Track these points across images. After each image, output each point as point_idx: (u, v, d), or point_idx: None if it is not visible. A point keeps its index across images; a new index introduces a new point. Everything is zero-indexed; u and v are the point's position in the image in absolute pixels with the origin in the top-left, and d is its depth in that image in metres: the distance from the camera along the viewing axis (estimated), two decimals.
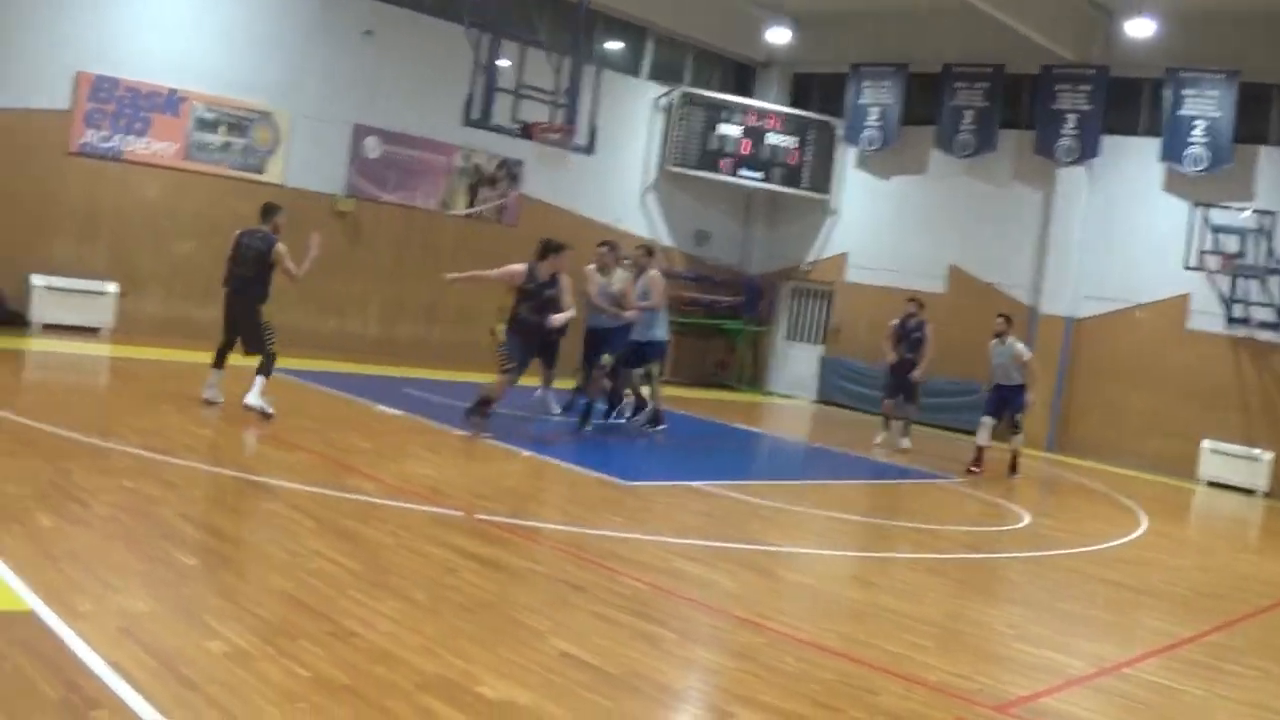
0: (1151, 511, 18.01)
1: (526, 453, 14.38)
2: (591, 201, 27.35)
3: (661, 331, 18.06)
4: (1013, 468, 19.55)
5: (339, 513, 9.75)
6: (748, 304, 30.39)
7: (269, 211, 14.65)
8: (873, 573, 11.10)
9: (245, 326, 14.49)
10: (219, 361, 14.67)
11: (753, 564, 10.46)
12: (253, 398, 14.12)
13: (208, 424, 13.43)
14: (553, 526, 10.65)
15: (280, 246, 14.32)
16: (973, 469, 19.22)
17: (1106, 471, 22.69)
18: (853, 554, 11.97)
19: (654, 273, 18.12)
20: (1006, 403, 19.57)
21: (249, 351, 14.47)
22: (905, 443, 21.50)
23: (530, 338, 15.62)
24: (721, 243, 30.55)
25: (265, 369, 14.32)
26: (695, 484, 13.94)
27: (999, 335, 19.49)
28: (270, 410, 14.10)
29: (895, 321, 21.78)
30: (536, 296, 15.33)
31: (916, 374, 21.43)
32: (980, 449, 19.49)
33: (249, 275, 14.38)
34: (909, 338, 21.53)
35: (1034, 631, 9.58)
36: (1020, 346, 19.52)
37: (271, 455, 12.29)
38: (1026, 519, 15.70)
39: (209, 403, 14.45)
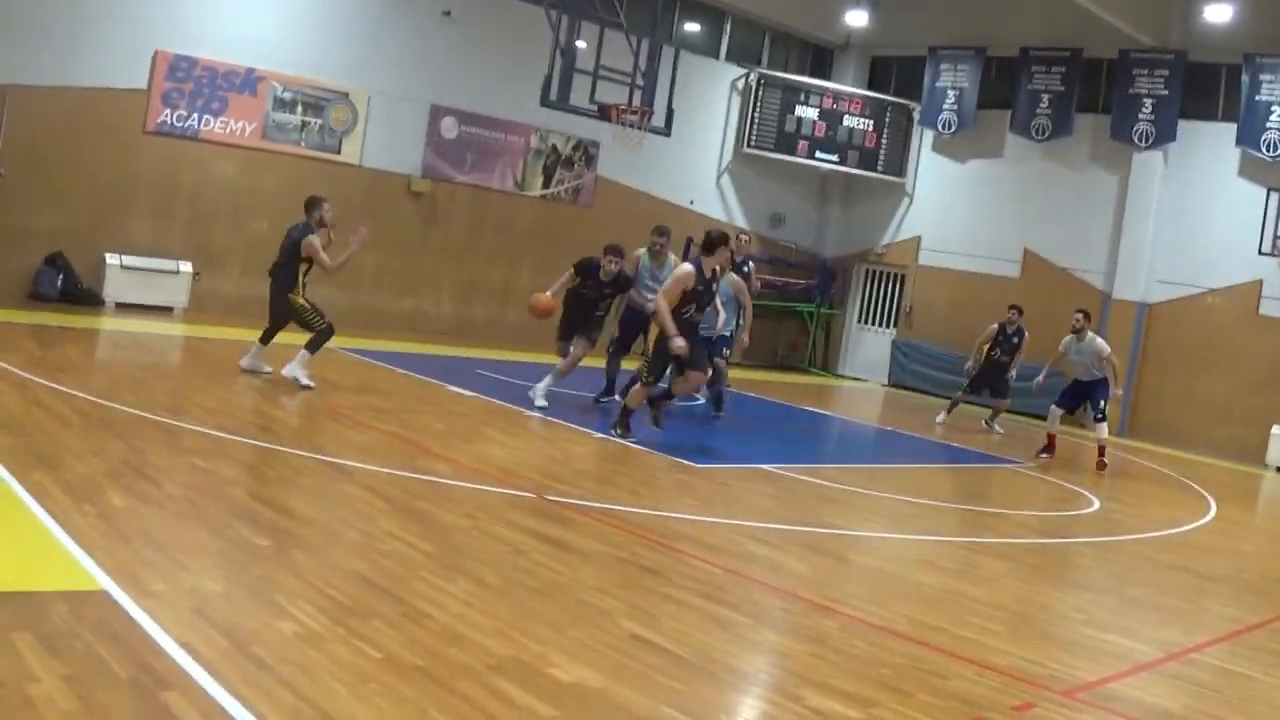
0: (1221, 497, 17.88)
1: (598, 435, 14.39)
2: (667, 183, 27.39)
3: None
4: (1101, 462, 18.83)
5: (412, 494, 9.80)
6: (821, 287, 30.32)
7: (310, 205, 14.86)
8: (943, 557, 11.03)
9: (287, 313, 14.78)
10: (264, 339, 15.02)
11: (824, 547, 10.46)
12: (290, 368, 14.41)
13: (280, 404, 13.52)
14: (624, 509, 10.60)
15: (310, 239, 14.51)
16: (1043, 454, 19.13)
17: (1177, 457, 22.52)
18: (923, 538, 11.88)
19: (735, 278, 17.99)
20: (1085, 396, 19.30)
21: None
22: (999, 429, 22.00)
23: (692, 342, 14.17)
24: (796, 225, 30.45)
25: (312, 345, 14.55)
26: (766, 467, 13.92)
27: (1077, 332, 19.09)
28: (307, 382, 14.30)
29: (994, 326, 21.86)
30: (704, 296, 14.21)
31: (1012, 373, 21.75)
32: (1051, 436, 19.37)
33: (282, 263, 14.72)
34: (1008, 342, 21.71)
35: (1102, 617, 9.55)
36: (1101, 342, 19.14)
37: (344, 435, 12.30)
38: (1096, 504, 15.59)
39: (243, 370, 14.78)
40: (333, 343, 14.92)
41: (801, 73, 30.21)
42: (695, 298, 13.91)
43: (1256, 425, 23.78)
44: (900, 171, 29.97)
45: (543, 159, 25.57)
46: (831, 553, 10.35)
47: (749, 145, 28.92)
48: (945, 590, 9.55)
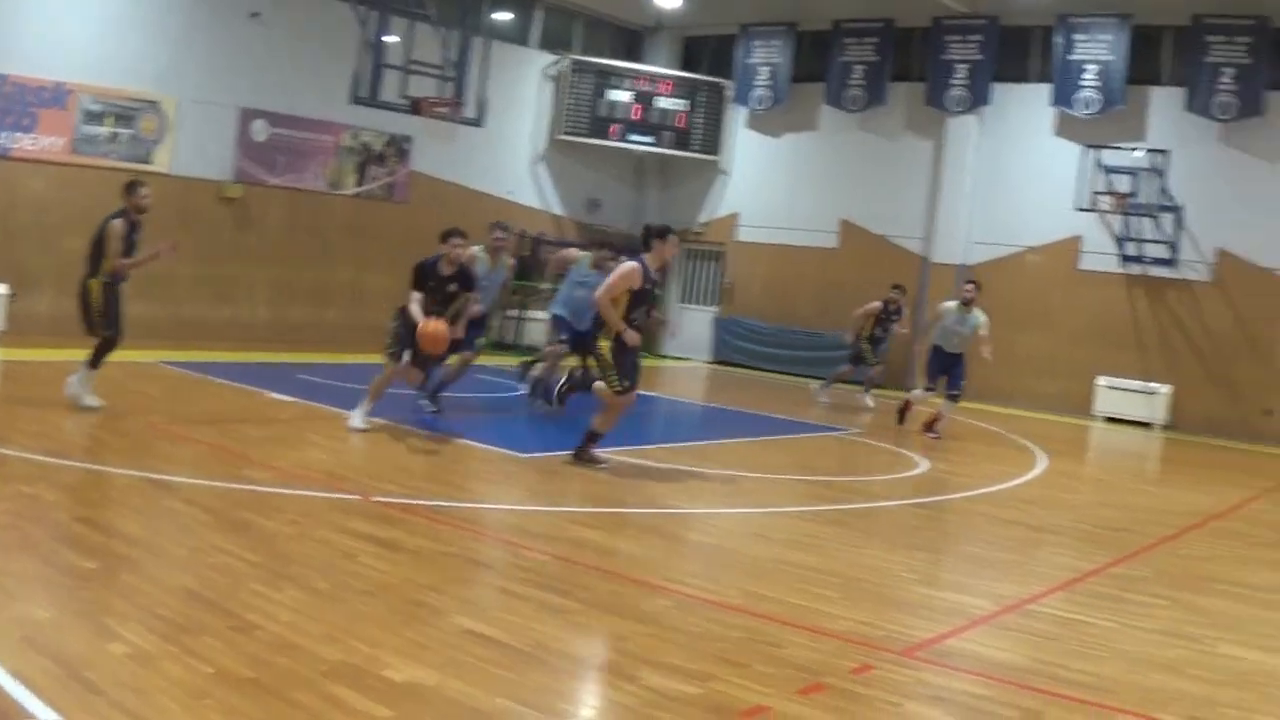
0: (1050, 450, 18.38)
1: (423, 433, 14.33)
2: (482, 174, 27.36)
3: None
4: (932, 431, 18.76)
5: (237, 505, 9.69)
6: None
7: (126, 189, 13.75)
8: (773, 528, 11.23)
9: (80, 305, 13.68)
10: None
11: (654, 527, 10.58)
12: (70, 386, 13.60)
13: (102, 424, 13.17)
14: (451, 504, 10.65)
15: (113, 224, 13.45)
16: (902, 418, 19.32)
17: (1003, 414, 22.99)
18: (753, 510, 12.07)
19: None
20: (946, 370, 18.87)
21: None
22: (826, 399, 22.37)
23: (638, 349, 13.39)
24: (613, 209, 30.53)
25: (94, 359, 13.63)
26: (593, 451, 13.80)
27: (967, 302, 18.68)
28: (91, 403, 13.55)
29: (878, 304, 22.02)
30: (649, 298, 13.26)
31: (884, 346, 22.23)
32: (910, 403, 19.50)
33: (88, 253, 13.61)
34: (889, 320, 21.98)
35: (937, 575, 9.87)
36: (984, 316, 18.71)
37: (167, 450, 12.11)
38: (924, 465, 15.96)
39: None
40: (150, 356, 14.70)
41: (614, 57, 30.34)
42: (642, 300, 13.04)
43: (1081, 378, 24.50)
44: (715, 150, 30.23)
45: (355, 157, 25.33)
46: (662, 532, 10.48)
47: (563, 132, 28.98)
48: (777, 561, 9.73)
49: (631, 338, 12.86)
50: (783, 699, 6.40)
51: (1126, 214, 24.59)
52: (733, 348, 29.22)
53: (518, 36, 28.56)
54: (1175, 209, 24.27)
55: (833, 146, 28.78)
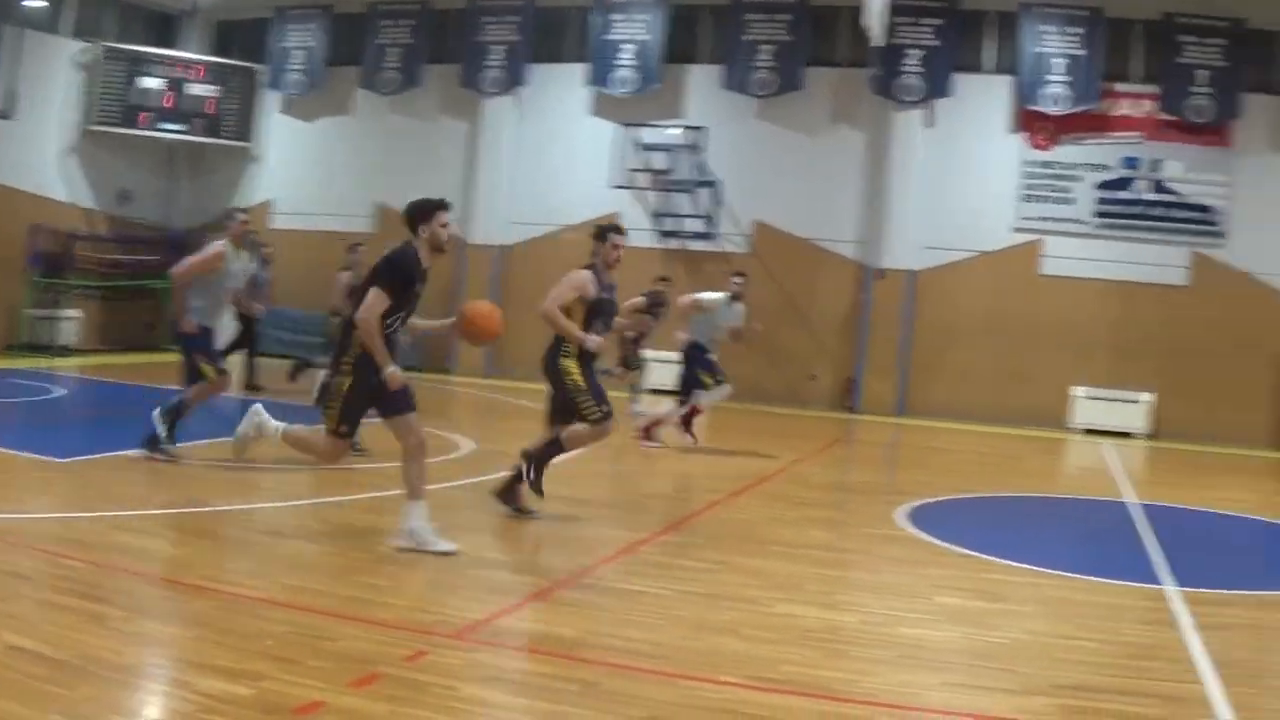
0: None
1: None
2: (13, 169, 26.49)
3: None
4: (690, 425, 18.32)
5: None
6: (174, 261, 29.95)
7: None
8: (314, 519, 11.36)
9: None
10: None
11: (195, 527, 10.54)
12: None
13: None
14: None
15: None
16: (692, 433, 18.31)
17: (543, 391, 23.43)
18: (292, 503, 12.09)
19: None
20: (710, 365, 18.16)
21: None
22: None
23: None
24: (146, 200, 30.03)
25: None
26: (130, 453, 13.60)
27: (738, 297, 18.44)
28: None
29: (642, 299, 21.55)
30: (609, 308, 12.44)
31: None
32: (695, 410, 18.51)
33: None
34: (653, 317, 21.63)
35: (488, 555, 10.19)
36: (744, 308, 18.58)
37: None
38: (470, 445, 16.38)
39: None
40: None
41: (147, 43, 29.78)
42: (604, 309, 12.46)
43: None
44: (247, 136, 30.18)
45: None
46: (202, 531, 10.45)
47: (94, 122, 28.33)
48: (323, 552, 9.93)
49: (595, 343, 11.95)
50: (336, 692, 6.47)
51: (664, 190, 25.60)
52: (272, 339, 28.83)
53: (49, 25, 27.67)
54: (712, 184, 25.40)
55: (368, 130, 29.20)
